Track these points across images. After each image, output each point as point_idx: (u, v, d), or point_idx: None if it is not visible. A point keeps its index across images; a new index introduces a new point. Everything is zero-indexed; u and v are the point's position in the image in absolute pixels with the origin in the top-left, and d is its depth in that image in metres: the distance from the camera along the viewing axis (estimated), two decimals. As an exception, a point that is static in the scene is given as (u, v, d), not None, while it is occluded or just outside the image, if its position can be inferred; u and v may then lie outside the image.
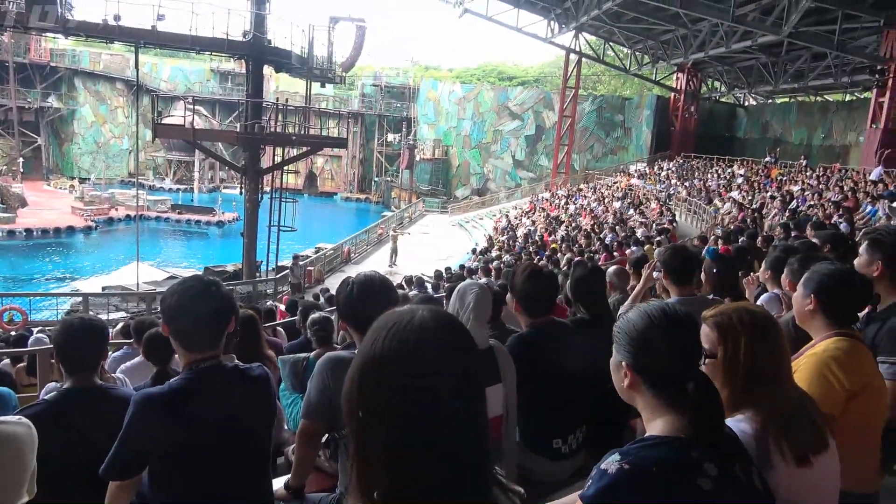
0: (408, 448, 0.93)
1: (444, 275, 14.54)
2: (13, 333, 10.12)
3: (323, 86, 26.39)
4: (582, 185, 34.23)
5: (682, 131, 36.22)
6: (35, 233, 30.67)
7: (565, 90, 37.61)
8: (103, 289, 18.71)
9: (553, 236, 19.79)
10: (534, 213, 28.46)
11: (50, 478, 1.85)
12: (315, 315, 4.21)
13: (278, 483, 2.49)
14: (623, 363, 1.42)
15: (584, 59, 37.80)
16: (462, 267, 16.85)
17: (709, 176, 26.01)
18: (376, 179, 49.74)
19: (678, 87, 36.80)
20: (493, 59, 74.46)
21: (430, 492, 0.94)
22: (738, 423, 1.56)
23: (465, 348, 1.02)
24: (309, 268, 20.18)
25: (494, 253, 19.28)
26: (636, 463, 1.27)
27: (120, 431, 1.99)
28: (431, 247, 27.45)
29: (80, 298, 16.88)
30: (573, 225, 21.86)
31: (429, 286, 13.18)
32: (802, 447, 1.54)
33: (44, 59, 44.77)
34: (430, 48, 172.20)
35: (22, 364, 6.07)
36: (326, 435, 2.57)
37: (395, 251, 23.94)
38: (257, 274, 19.72)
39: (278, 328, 6.45)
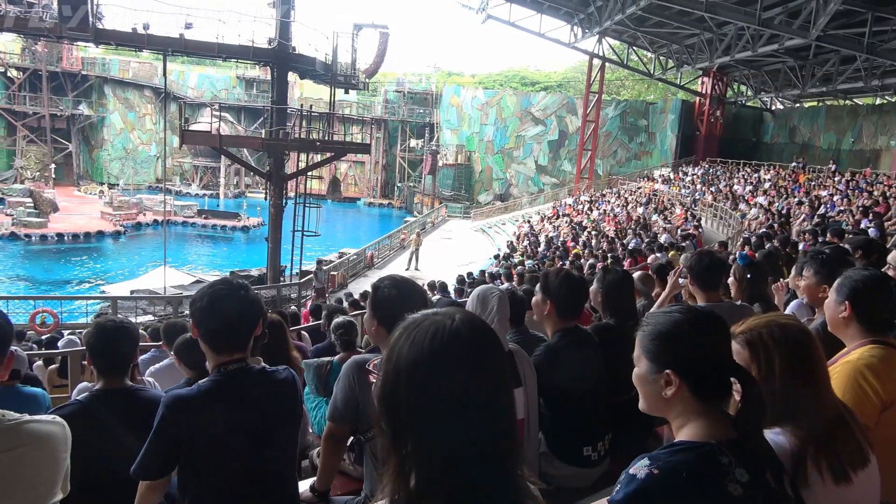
0: (446, 445, 0.96)
1: (466, 280, 14.53)
2: (44, 337, 10.34)
3: (347, 92, 26.65)
4: (605, 191, 34.00)
5: (708, 136, 35.82)
6: (66, 237, 31.29)
7: (588, 95, 37.44)
8: (131, 292, 19.02)
9: (576, 242, 19.67)
10: (557, 219, 28.33)
11: (81, 477, 1.87)
12: (339, 319, 4.23)
13: (304, 486, 2.50)
14: (667, 371, 1.37)
15: (607, 64, 37.60)
16: (482, 272, 16.82)
17: (735, 181, 25.67)
18: (399, 185, 49.95)
19: (703, 92, 36.43)
20: (516, 64, 74.46)
21: (462, 488, 0.95)
22: (775, 436, 1.53)
23: (499, 351, 1.05)
24: (332, 272, 20.31)
25: (517, 258, 19.21)
26: (666, 468, 1.25)
27: (150, 432, 2.02)
28: (454, 252, 27.46)
29: (108, 302, 17.17)
30: (596, 230, 21.71)
31: (451, 291, 13.18)
32: (843, 464, 1.50)
33: (75, 67, 45.77)
34: (452, 54, 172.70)
35: (54, 366, 6.19)
36: (351, 438, 2.58)
37: (415, 256, 24.00)
38: (281, 278, 19.89)
39: (302, 332, 6.50)
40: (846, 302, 2.09)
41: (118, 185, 44.70)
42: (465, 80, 58.06)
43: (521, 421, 2.45)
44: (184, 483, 2.07)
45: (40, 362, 6.38)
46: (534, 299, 2.89)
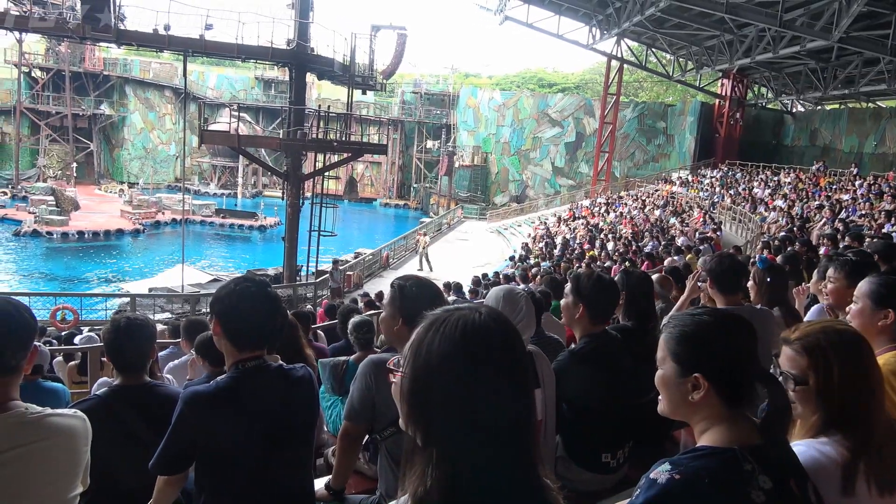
0: (474, 441, 0.96)
1: (481, 281, 14.51)
2: (64, 333, 10.49)
3: (364, 93, 26.75)
4: (622, 193, 33.80)
5: (727, 138, 35.47)
6: (86, 235, 31.70)
7: (606, 97, 37.25)
8: (150, 290, 19.22)
9: (592, 244, 19.58)
10: (573, 221, 28.21)
11: (100, 471, 1.90)
12: (356, 319, 4.24)
13: (319, 483, 2.51)
14: (695, 375, 1.35)
15: (625, 66, 37.38)
16: (497, 274, 16.79)
17: (754, 184, 25.40)
18: (415, 186, 50.03)
19: (723, 94, 36.08)
20: (533, 65, 74.27)
21: (487, 486, 0.95)
22: (821, 445, 1.49)
23: (523, 348, 1.07)
24: (348, 272, 20.38)
25: (532, 260, 19.16)
26: (688, 473, 1.24)
27: (167, 428, 2.04)
28: (469, 253, 27.45)
29: (127, 299, 17.37)
30: (613, 233, 21.59)
31: (466, 292, 13.17)
32: (891, 475, 1.46)
33: (97, 67, 46.40)
34: (470, 56, 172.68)
35: (74, 362, 6.27)
36: (367, 437, 2.59)
37: (426, 258, 24.02)
38: (298, 278, 20.00)
39: (318, 331, 6.52)
40: (889, 309, 2.05)
41: (138, 184, 45.23)
42: (482, 82, 58.05)
43: (539, 422, 2.44)
44: (201, 479, 2.09)
45: (60, 358, 6.47)
46: (564, 302, 2.85)
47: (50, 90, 44.39)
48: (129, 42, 19.62)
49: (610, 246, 18.00)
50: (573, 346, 2.90)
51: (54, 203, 33.21)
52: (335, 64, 20.91)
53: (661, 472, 1.26)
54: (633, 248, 16.31)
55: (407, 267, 24.34)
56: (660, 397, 1.45)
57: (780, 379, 1.58)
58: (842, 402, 1.50)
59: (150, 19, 19.12)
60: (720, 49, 29.26)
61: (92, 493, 1.88)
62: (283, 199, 20.79)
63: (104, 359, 6.13)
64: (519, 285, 9.84)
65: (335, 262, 19.80)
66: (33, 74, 44.87)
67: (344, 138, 22.21)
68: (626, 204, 28.66)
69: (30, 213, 32.69)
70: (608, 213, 27.28)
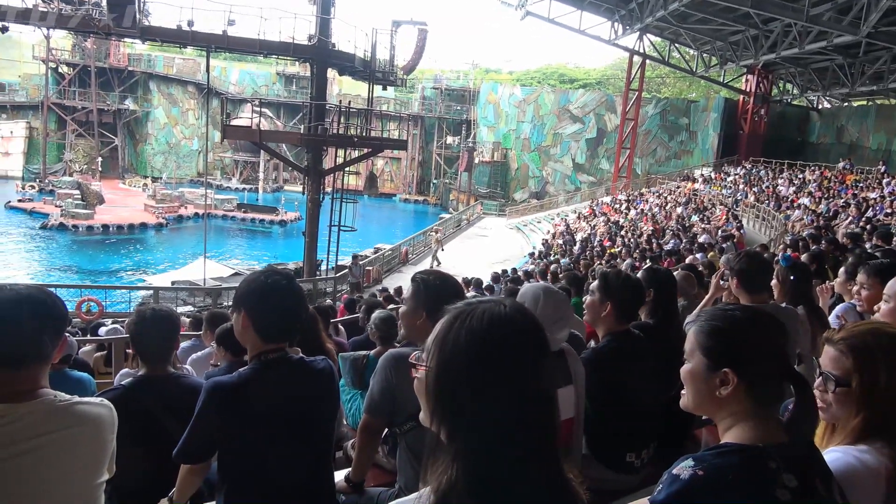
0: (500, 434, 0.96)
1: (501, 277, 14.49)
2: (90, 324, 10.66)
3: (385, 88, 26.72)
4: (644, 190, 33.51)
5: (751, 135, 34.98)
6: (111, 228, 32.20)
7: (628, 93, 36.92)
8: (172, 283, 19.47)
9: (612, 241, 19.44)
10: (593, 218, 28.04)
11: (124, 459, 1.93)
12: (380, 313, 4.26)
13: (338, 476, 2.53)
14: (725, 370, 1.33)
15: (648, 61, 37.00)
16: (514, 270, 16.75)
17: (779, 181, 25.04)
18: (435, 181, 50.06)
19: (747, 90, 35.57)
20: (554, 61, 73.73)
21: (512, 482, 0.96)
22: (860, 453, 1.45)
23: (547, 342, 1.06)
24: (368, 267, 20.47)
25: (552, 257, 19.08)
26: (711, 470, 1.22)
27: (189, 418, 2.07)
28: (489, 249, 27.42)
29: (150, 292, 17.61)
30: (634, 230, 21.43)
31: (484, 289, 13.16)
32: None
33: (122, 63, 47.00)
34: (491, 51, 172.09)
35: (100, 353, 6.38)
36: (385, 430, 2.60)
37: (435, 255, 24.06)
38: (317, 272, 20.13)
39: (339, 325, 6.56)
40: None
41: (161, 178, 45.81)
42: (503, 77, 57.81)
43: (570, 420, 2.43)
44: (224, 469, 2.11)
45: (87, 348, 6.58)
46: (589, 300, 2.83)
47: (76, 86, 45.08)
48: (153, 38, 19.84)
49: (631, 243, 17.87)
50: (595, 343, 2.88)
51: (80, 197, 33.77)
52: (356, 59, 20.95)
53: (683, 467, 1.25)
54: (655, 245, 16.17)
55: (426, 262, 24.39)
56: (683, 392, 1.44)
57: (820, 379, 1.54)
58: (886, 407, 1.45)
59: (173, 15, 19.32)
60: (745, 44, 28.85)
61: (116, 480, 1.91)
62: (303, 194, 20.92)
63: (129, 350, 6.24)
64: (539, 282, 9.81)
65: (355, 257, 19.90)
66: (60, 70, 45.61)
67: (364, 134, 22.28)
68: (647, 201, 28.42)
69: (56, 206, 33.27)
70: (629, 211, 27.06)
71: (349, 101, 28.03)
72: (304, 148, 21.56)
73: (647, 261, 11.84)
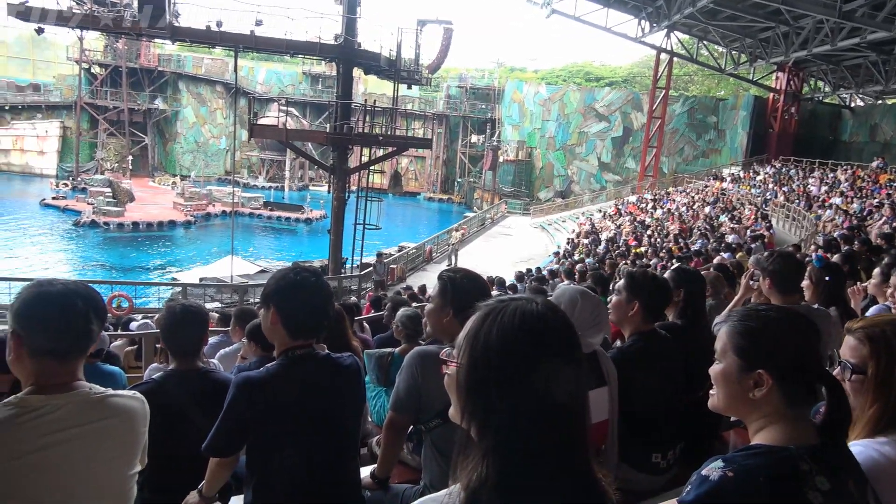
0: (531, 432, 0.96)
1: (525, 276, 14.44)
2: (122, 319, 10.84)
3: (409, 87, 26.79)
4: (670, 189, 33.12)
5: (781, 134, 34.37)
6: (141, 226, 32.78)
7: (655, 91, 36.51)
8: (200, 280, 19.74)
9: (638, 241, 19.26)
10: (618, 217, 27.80)
11: (155, 451, 1.97)
12: (406, 311, 4.27)
13: (364, 472, 2.54)
14: (759, 371, 1.31)
15: (675, 59, 36.56)
16: (538, 269, 16.68)
17: (809, 181, 24.56)
18: (459, 180, 50.06)
19: (777, 88, 34.96)
20: (580, 59, 73.26)
21: (542, 481, 0.96)
22: (880, 445, 1.44)
23: (577, 339, 1.06)
24: (392, 266, 20.55)
25: (577, 256, 18.96)
26: (742, 471, 1.21)
27: (218, 412, 2.10)
28: (512, 248, 27.34)
29: (179, 288, 17.88)
30: (660, 230, 21.19)
31: (511, 287, 13.12)
32: None
33: (152, 63, 47.79)
34: (516, 50, 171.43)
35: (131, 348, 6.50)
36: (410, 428, 2.61)
37: (454, 254, 24.04)
38: (342, 270, 20.25)
39: (364, 323, 6.60)
40: None
41: (190, 176, 46.50)
42: (528, 76, 57.57)
43: (604, 422, 2.41)
44: (252, 463, 2.14)
45: (118, 342, 6.71)
46: (616, 299, 2.80)
47: (108, 86, 45.95)
48: (183, 38, 20.13)
49: (657, 243, 17.68)
50: (621, 343, 2.86)
51: (111, 195, 34.41)
52: (381, 59, 21.03)
53: (713, 468, 1.23)
54: (682, 245, 15.98)
55: (453, 260, 24.38)
56: (712, 392, 1.42)
57: (839, 368, 1.53)
58: None
59: (202, 16, 19.60)
60: (775, 41, 28.33)
61: (147, 472, 1.95)
62: (328, 192, 21.06)
63: (158, 345, 6.35)
64: (563, 281, 9.75)
65: (379, 255, 19.98)
66: (92, 70, 46.51)
67: (389, 132, 22.35)
68: (674, 200, 28.08)
69: (88, 204, 33.96)
70: (655, 210, 26.77)
71: (374, 101, 28.10)
72: (330, 147, 21.71)
73: (674, 261, 11.72)
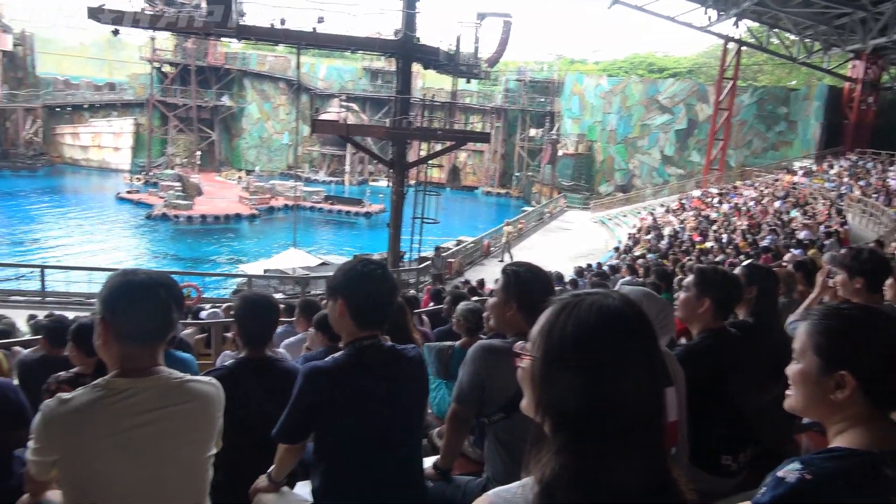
0: (606, 427, 0.95)
1: (584, 272, 14.25)
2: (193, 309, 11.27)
3: (468, 81, 26.79)
4: (737, 183, 31.99)
5: (858, 125, 32.66)
6: (208, 219, 33.95)
7: (722, 81, 35.27)
8: (265, 271, 20.31)
9: (703, 237, 18.70)
10: (682, 212, 27.06)
11: (225, 435, 2.04)
12: (467, 305, 4.29)
13: (426, 463, 2.57)
14: (842, 372, 1.26)
15: (743, 48, 35.20)
16: (600, 265, 16.43)
17: (889, 174, 23.27)
18: (517, 174, 49.71)
19: (854, 77, 33.21)
20: (643, 49, 71.36)
21: (618, 479, 0.95)
22: None
23: (655, 335, 1.05)
24: (450, 259, 20.63)
25: (638, 251, 18.58)
26: (820, 474, 1.17)
27: (286, 400, 2.17)
28: (571, 243, 27.01)
29: (244, 279, 18.45)
30: (726, 225, 20.52)
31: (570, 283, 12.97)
32: None
33: (219, 62, 49.33)
34: (576, 41, 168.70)
35: (201, 335, 6.76)
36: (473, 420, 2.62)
37: (507, 249, 23.87)
38: (400, 263, 20.46)
39: (423, 316, 6.66)
40: None
41: (254, 171, 47.82)
42: (588, 68, 56.59)
43: (675, 423, 2.37)
44: (319, 452, 2.20)
45: (189, 330, 6.99)
46: (685, 296, 2.73)
47: (178, 84, 47.71)
48: (249, 37, 20.71)
49: (724, 239, 17.13)
50: (686, 341, 2.80)
51: (181, 189, 35.76)
52: (440, 53, 21.10)
53: (790, 470, 1.19)
54: (750, 241, 15.44)
55: (507, 255, 24.28)
56: (788, 392, 1.37)
57: None
58: None
59: (266, 15, 20.12)
60: (852, 28, 26.95)
61: (219, 455, 2.03)
62: (387, 186, 21.30)
63: (227, 333, 6.58)
64: (625, 276, 9.58)
65: (437, 249, 20.10)
66: (163, 70, 48.37)
67: (447, 127, 22.42)
68: (741, 194, 27.13)
69: (160, 198, 35.41)
70: (721, 204, 25.93)
71: (433, 95, 28.23)
72: (389, 141, 21.93)
73: (742, 257, 11.34)
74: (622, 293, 1.06)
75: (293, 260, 19.73)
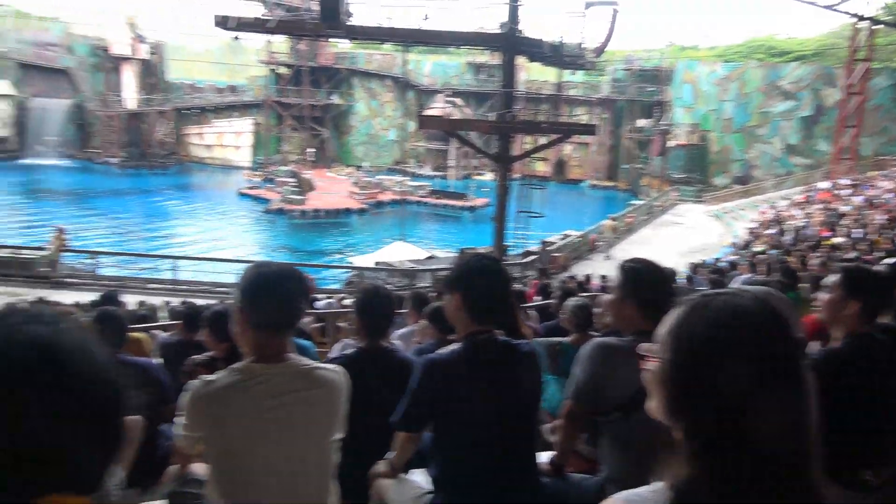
0: (739, 430, 0.91)
1: (698, 268, 13.62)
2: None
3: (573, 73, 26.28)
4: (872, 173, 29.36)
5: None
6: (320, 213, 35.46)
7: (853, 63, 32.43)
8: (376, 264, 20.95)
9: (833, 232, 17.35)
10: (808, 205, 25.21)
11: (350, 421, 2.13)
12: (576, 301, 4.24)
13: (540, 459, 2.57)
14: None
15: (878, 27, 32.15)
16: (717, 260, 15.68)
17: None
18: (625, 166, 48.19)
19: None
20: (762, 32, 67.04)
21: (755, 479, 0.91)
22: None
23: (795, 337, 0.99)
24: (555, 254, 20.38)
25: (758, 247, 17.51)
26: None
27: (403, 388, 2.24)
28: (683, 238, 25.89)
29: (355, 271, 19.11)
30: (859, 220, 18.91)
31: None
32: None
33: (329, 62, 51.29)
34: (686, 27, 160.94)
35: (317, 325, 7.09)
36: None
37: (609, 246, 23.16)
38: (505, 258, 20.44)
39: (529, 311, 6.62)
40: None
41: (362, 167, 49.40)
42: (701, 55, 53.90)
43: None
44: (436, 442, 2.25)
45: (306, 319, 7.35)
46: (829, 297, 2.56)
47: (292, 84, 50.09)
48: (357, 36, 21.38)
49: (856, 233, 15.82)
50: (826, 345, 2.61)
51: (295, 184, 37.58)
52: (544, 45, 20.83)
53: None
54: (892, 236, 14.17)
55: (614, 250, 23.67)
56: None
57: None
58: None
59: (374, 14, 20.71)
60: None
61: (342, 440, 2.12)
62: (492, 180, 21.33)
63: (340, 323, 6.86)
64: (744, 274, 9.08)
65: (543, 244, 19.92)
66: (278, 71, 50.93)
67: (552, 120, 22.12)
68: (876, 186, 24.91)
69: (276, 193, 37.39)
70: (853, 197, 23.92)
71: (537, 88, 27.94)
72: (493, 135, 21.94)
73: (881, 254, 10.43)
74: (753, 293, 1.00)
75: (401, 253, 20.23)
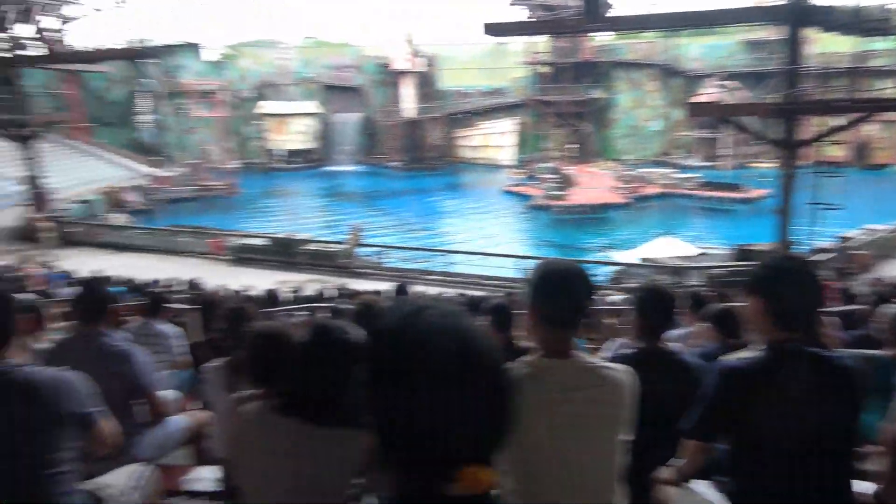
0: None
1: None
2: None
3: (876, 40, 22.33)
4: None
5: None
6: (582, 208, 35.40)
7: None
8: (643, 260, 20.27)
9: None
10: None
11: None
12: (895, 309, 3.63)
13: (860, 487, 2.25)
14: None
15: None
16: None
17: None
18: (950, 145, 39.65)
19: None
20: None
21: None
22: None
23: None
24: (856, 252, 17.68)
25: None
26: None
27: (687, 392, 2.13)
28: None
29: (619, 268, 18.72)
30: None
31: None
32: None
33: (589, 56, 50.87)
34: None
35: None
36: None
37: None
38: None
39: (829, 317, 5.80)
40: None
41: (626, 160, 48.13)
42: None
43: None
44: (733, 456, 2.12)
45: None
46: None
47: (552, 82, 50.81)
48: (620, 27, 20.83)
49: None
50: None
51: (557, 180, 38.11)
52: (838, 12, 18.07)
53: None
54: None
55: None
56: None
57: None
58: None
59: (634, 3, 19.94)
60: None
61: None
62: (771, 168, 19.19)
63: (605, 320, 6.79)
64: None
65: (843, 240, 17.47)
66: (539, 70, 52.06)
67: (850, 97, 19.10)
68: None
69: (539, 189, 38.30)
70: None
71: (830, 62, 24.23)
72: (775, 119, 19.69)
73: None
74: None
75: (667, 249, 19.24)
